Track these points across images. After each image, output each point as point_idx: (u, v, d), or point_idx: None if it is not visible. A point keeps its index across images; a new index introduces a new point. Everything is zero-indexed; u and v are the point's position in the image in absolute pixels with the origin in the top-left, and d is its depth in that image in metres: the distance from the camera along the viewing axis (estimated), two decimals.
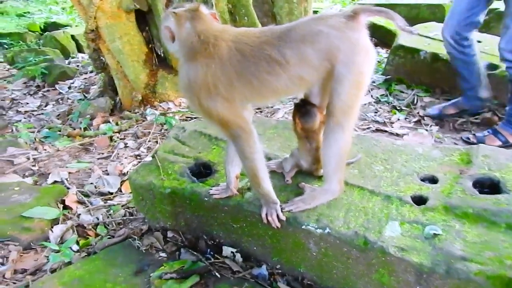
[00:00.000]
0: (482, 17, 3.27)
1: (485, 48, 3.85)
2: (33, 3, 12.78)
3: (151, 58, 4.37)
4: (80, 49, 7.68)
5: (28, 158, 3.66)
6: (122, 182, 3.11)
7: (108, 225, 2.62)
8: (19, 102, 5.32)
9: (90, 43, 4.17)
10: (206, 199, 2.05)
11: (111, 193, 2.98)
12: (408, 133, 3.48)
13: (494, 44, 3.38)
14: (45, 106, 5.11)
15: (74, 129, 4.13)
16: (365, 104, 4.00)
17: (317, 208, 1.84)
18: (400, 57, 4.27)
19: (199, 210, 2.12)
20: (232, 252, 2.11)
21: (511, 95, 3.16)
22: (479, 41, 3.61)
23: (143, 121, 4.13)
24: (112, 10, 3.97)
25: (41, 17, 10.90)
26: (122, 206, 2.80)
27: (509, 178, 1.90)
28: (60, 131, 4.15)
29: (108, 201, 2.89)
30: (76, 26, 9.29)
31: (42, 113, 4.82)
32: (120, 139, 3.87)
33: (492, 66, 3.67)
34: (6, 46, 8.31)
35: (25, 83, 5.91)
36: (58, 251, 2.35)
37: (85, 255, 2.34)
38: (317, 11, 6.30)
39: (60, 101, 5.20)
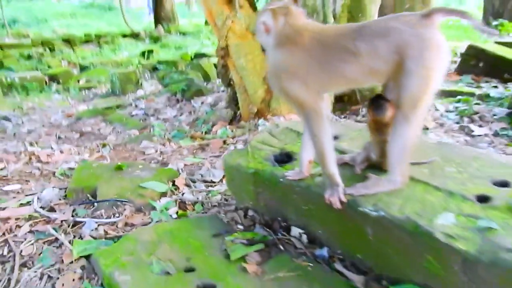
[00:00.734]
0: None
1: None
2: (190, 37, 14.84)
3: None
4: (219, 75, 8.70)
5: (156, 151, 4.36)
6: (225, 175, 3.47)
7: (204, 205, 2.98)
8: (160, 111, 6.28)
9: (219, 60, 4.81)
10: (281, 180, 2.25)
11: (214, 182, 3.37)
12: None
13: None
14: (180, 116, 5.95)
15: (197, 132, 4.75)
16: (479, 135, 3.77)
17: (377, 194, 1.89)
18: None
19: (276, 191, 2.32)
20: (299, 233, 2.25)
21: None
22: None
23: (255, 130, 4.54)
24: (241, 31, 4.54)
25: (194, 48, 12.63)
26: (219, 193, 3.15)
27: None
28: (185, 133, 4.82)
29: (209, 187, 3.27)
30: None
31: (176, 120, 5.63)
32: (232, 143, 4.32)
33: None
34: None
35: (168, 97, 6.95)
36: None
37: None
38: None
39: (192, 113, 5.99)
